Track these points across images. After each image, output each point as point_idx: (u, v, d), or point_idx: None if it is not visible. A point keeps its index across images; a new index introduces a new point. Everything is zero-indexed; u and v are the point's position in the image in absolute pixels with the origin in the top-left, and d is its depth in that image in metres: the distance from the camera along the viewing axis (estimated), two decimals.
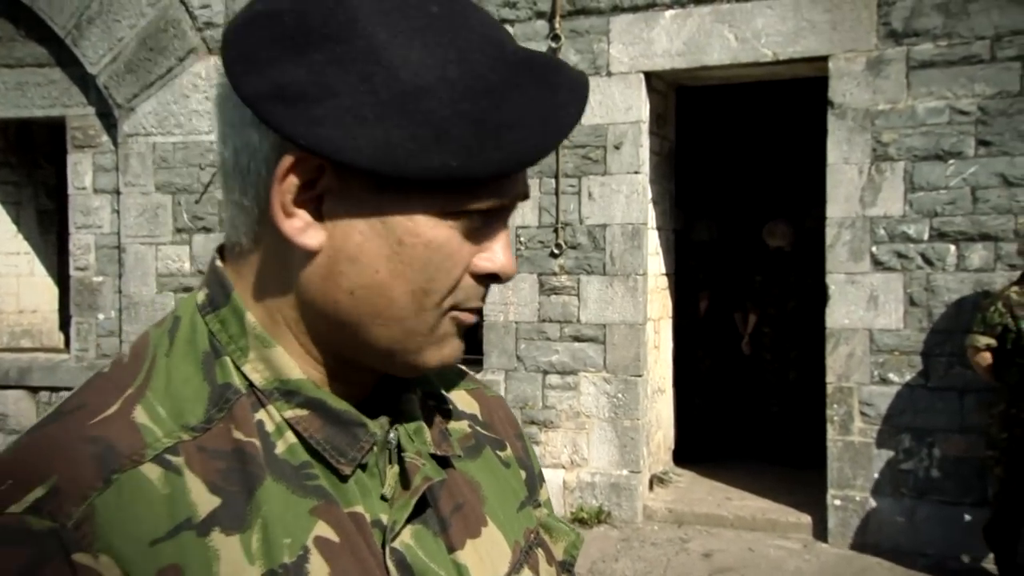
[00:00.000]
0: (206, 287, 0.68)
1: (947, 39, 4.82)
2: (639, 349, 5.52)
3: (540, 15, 5.63)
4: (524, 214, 5.71)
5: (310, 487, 0.63)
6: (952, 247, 4.87)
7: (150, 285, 6.56)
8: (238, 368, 0.65)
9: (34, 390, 6.88)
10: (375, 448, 0.67)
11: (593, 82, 5.53)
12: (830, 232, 5.09)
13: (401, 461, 0.68)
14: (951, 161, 4.84)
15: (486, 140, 0.60)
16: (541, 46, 5.55)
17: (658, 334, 5.95)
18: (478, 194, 0.62)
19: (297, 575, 0.60)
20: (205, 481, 0.60)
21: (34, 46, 6.73)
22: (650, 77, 5.51)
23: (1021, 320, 4.20)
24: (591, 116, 5.53)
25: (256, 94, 0.59)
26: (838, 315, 5.07)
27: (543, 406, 5.72)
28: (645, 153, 5.52)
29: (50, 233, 7.68)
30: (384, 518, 0.66)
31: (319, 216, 0.62)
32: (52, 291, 7.67)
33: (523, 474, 0.82)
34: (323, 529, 0.62)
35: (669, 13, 5.35)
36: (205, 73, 6.35)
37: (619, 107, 5.49)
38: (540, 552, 0.78)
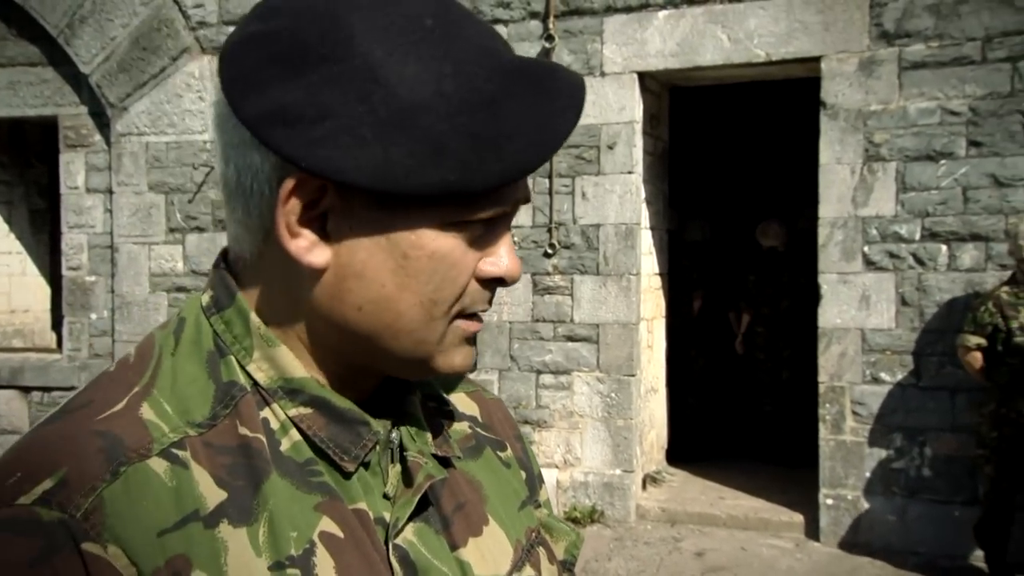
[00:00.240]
0: (211, 289, 0.69)
1: (938, 40, 4.85)
2: (632, 349, 5.54)
3: (534, 15, 5.64)
4: (518, 214, 5.71)
5: (315, 483, 0.64)
6: (943, 247, 4.89)
7: (143, 285, 6.55)
8: (243, 367, 0.66)
9: (26, 390, 6.86)
10: (378, 447, 0.68)
11: (587, 82, 5.53)
12: (822, 232, 5.11)
13: (404, 460, 0.69)
14: (942, 162, 4.87)
15: (484, 152, 0.60)
16: (535, 46, 5.56)
17: (651, 334, 5.97)
18: (480, 204, 0.63)
19: (304, 567, 0.61)
20: (212, 475, 0.61)
21: (26, 45, 6.71)
22: (643, 77, 5.52)
23: (1011, 320, 4.23)
24: (585, 116, 5.53)
25: (255, 116, 0.60)
26: (830, 315, 5.10)
27: (536, 406, 5.73)
28: (639, 153, 5.53)
29: (42, 232, 7.65)
30: (387, 515, 0.67)
31: (324, 234, 0.63)
32: (44, 291, 7.64)
33: (523, 474, 0.83)
34: (328, 524, 0.63)
35: (662, 14, 5.37)
36: (198, 73, 6.34)
37: (613, 107, 5.51)
38: (541, 551, 0.78)
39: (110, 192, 6.61)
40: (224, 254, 0.70)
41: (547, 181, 5.65)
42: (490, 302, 0.68)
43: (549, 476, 5.62)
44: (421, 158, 0.59)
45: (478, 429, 0.81)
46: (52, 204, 7.33)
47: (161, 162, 6.45)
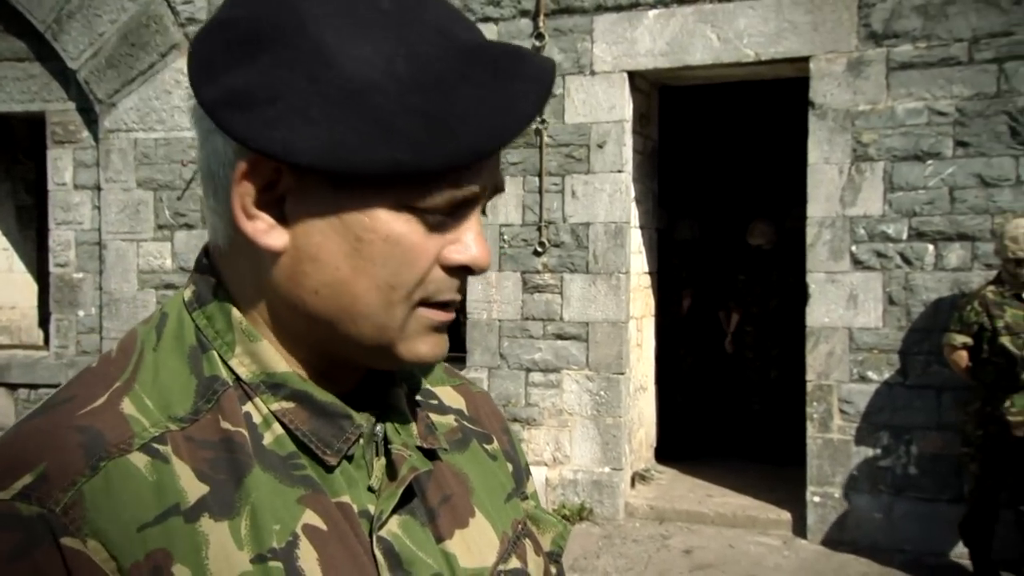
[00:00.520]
0: (193, 284, 0.69)
1: (926, 41, 4.88)
2: (622, 347, 5.55)
3: (524, 13, 5.64)
4: (508, 212, 5.72)
5: (297, 477, 0.64)
6: (930, 247, 4.92)
7: (131, 282, 6.52)
8: (225, 362, 0.66)
9: (13, 387, 6.82)
10: (362, 440, 0.68)
11: (576, 81, 5.55)
12: (811, 231, 5.13)
13: (388, 453, 0.69)
14: (929, 162, 4.90)
15: (436, 132, 0.59)
16: (525, 44, 5.56)
17: (640, 332, 5.98)
18: (436, 186, 0.62)
19: (287, 560, 0.61)
20: (193, 469, 0.61)
21: (13, 40, 6.67)
22: (633, 76, 5.53)
23: (997, 319, 4.26)
24: (575, 115, 5.55)
25: (212, 100, 0.60)
26: (818, 314, 5.12)
27: (526, 404, 5.74)
28: (628, 152, 5.54)
29: (29, 229, 7.61)
30: (371, 508, 0.67)
31: (283, 218, 0.63)
32: (31, 288, 7.60)
33: (510, 467, 0.83)
34: (311, 517, 0.63)
35: (652, 13, 5.38)
36: (187, 69, 6.31)
37: (602, 106, 5.52)
38: (528, 542, 0.78)
39: (98, 189, 6.57)
40: (206, 249, 0.70)
41: (537, 179, 5.65)
42: (460, 291, 0.67)
43: (538, 474, 5.62)
44: (369, 137, 0.59)
45: (464, 422, 0.81)
46: (39, 200, 7.29)
47: (149, 159, 6.43)
